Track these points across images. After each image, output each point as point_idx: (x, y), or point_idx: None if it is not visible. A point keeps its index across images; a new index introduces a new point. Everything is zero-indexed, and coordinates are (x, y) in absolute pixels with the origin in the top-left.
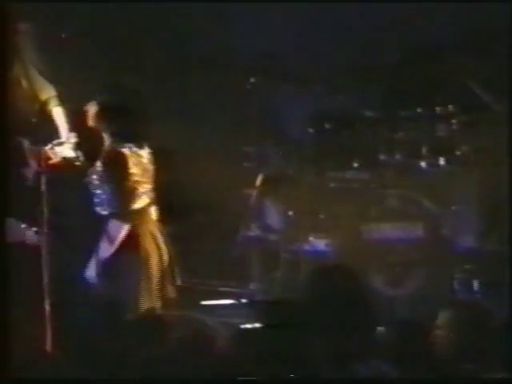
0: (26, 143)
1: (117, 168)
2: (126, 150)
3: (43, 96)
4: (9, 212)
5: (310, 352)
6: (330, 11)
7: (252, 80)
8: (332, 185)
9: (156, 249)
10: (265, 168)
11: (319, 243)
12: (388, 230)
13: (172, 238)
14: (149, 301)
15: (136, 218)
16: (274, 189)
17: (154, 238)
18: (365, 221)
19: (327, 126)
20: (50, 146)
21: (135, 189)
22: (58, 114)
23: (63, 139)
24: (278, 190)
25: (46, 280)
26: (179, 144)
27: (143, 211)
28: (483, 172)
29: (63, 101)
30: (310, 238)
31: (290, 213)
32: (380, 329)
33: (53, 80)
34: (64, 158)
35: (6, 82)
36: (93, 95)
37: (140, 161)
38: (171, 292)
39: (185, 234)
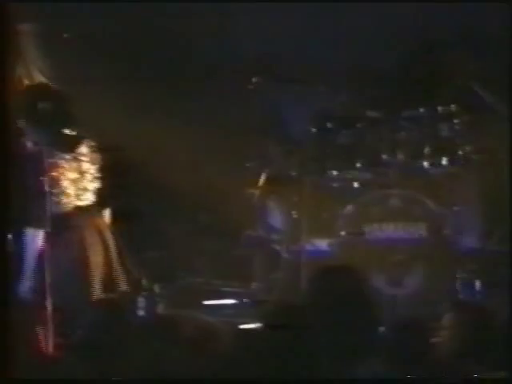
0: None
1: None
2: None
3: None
4: (9, 213)
5: (312, 352)
6: (332, 12)
7: (254, 80)
8: (334, 185)
9: (100, 245)
10: (267, 168)
11: (321, 243)
12: (390, 230)
13: (175, 238)
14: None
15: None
16: (277, 189)
17: (100, 236)
18: (367, 221)
19: (329, 125)
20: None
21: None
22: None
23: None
24: (281, 190)
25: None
26: (182, 144)
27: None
28: (486, 172)
29: (69, 99)
30: (312, 238)
31: (293, 213)
32: (381, 328)
33: (53, 79)
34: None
35: (6, 82)
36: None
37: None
38: (123, 285)
39: (188, 235)
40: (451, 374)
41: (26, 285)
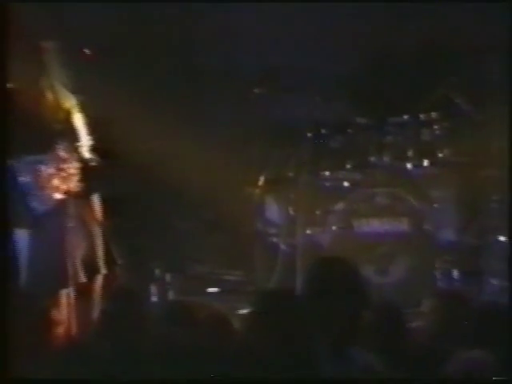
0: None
1: None
2: None
3: (66, 105)
4: (9, 213)
5: (307, 336)
6: (324, 31)
7: (255, 90)
8: (327, 184)
9: (84, 233)
10: (266, 169)
11: (315, 236)
12: (376, 225)
13: (184, 233)
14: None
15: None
16: (275, 188)
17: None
18: (356, 216)
19: (323, 131)
20: (71, 150)
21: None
22: (78, 120)
23: (83, 143)
24: (279, 189)
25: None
26: (191, 147)
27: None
28: (463, 173)
29: (83, 109)
30: (307, 232)
31: (290, 209)
32: (368, 312)
33: (74, 91)
34: (85, 163)
35: (5, 81)
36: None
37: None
38: (107, 270)
39: (195, 229)
40: (429, 352)
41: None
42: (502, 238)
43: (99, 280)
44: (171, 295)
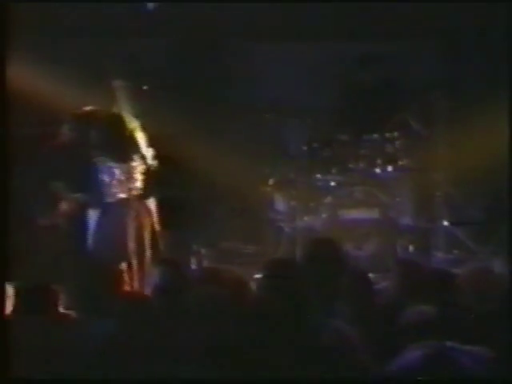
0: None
1: None
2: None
3: (131, 126)
4: (9, 214)
5: (305, 292)
6: (313, 72)
7: (266, 116)
8: (318, 183)
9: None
10: (274, 173)
11: (310, 222)
12: (355, 214)
13: (215, 217)
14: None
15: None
16: (281, 186)
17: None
18: (340, 208)
19: (315, 145)
20: (134, 160)
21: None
22: (140, 136)
23: (145, 154)
24: (283, 188)
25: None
26: (223, 157)
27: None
28: (416, 175)
29: (143, 129)
30: (304, 219)
31: (291, 202)
32: (348, 276)
33: (136, 116)
34: (145, 167)
35: (4, 81)
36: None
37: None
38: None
39: (224, 215)
40: (391, 305)
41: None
42: (445, 223)
43: (150, 252)
44: (205, 263)
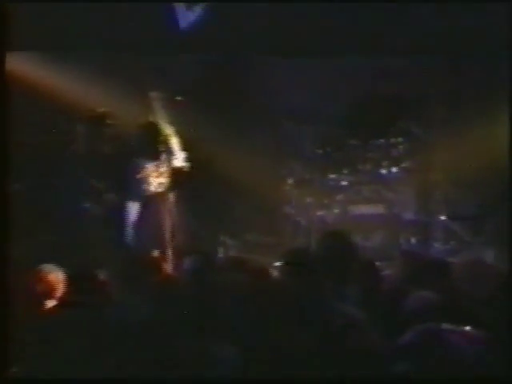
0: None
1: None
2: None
3: (166, 132)
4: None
5: (319, 277)
6: (328, 83)
7: (285, 123)
8: (331, 183)
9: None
10: (292, 174)
11: (324, 217)
12: (363, 210)
13: (242, 213)
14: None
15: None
16: (298, 186)
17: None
18: (351, 204)
19: (328, 149)
20: (169, 161)
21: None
22: (174, 142)
23: (177, 157)
24: (300, 186)
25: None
26: (247, 160)
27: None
28: (418, 175)
29: (176, 134)
30: (318, 214)
31: (307, 199)
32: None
33: (170, 123)
34: (177, 169)
35: (4, 81)
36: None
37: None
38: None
39: (248, 211)
40: (394, 290)
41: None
42: (443, 218)
43: (181, 243)
44: (231, 253)
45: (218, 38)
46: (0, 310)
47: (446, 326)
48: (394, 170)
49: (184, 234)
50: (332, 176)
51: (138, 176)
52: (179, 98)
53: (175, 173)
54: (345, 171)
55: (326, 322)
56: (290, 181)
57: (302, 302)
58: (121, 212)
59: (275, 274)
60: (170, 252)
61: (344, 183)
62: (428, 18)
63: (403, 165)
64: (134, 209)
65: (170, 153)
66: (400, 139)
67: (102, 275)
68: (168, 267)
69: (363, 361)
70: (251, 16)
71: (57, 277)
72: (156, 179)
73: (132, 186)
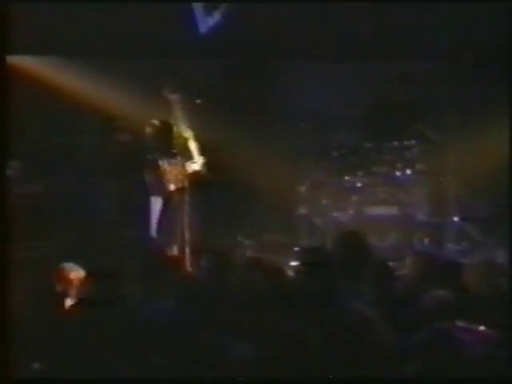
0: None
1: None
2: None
3: (185, 135)
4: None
5: (333, 277)
6: (347, 90)
7: (302, 125)
8: (346, 185)
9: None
10: (309, 176)
11: (339, 217)
12: (378, 211)
13: (258, 214)
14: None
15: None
16: (314, 187)
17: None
18: (365, 205)
19: (343, 151)
20: (187, 163)
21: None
22: (193, 144)
23: (195, 160)
24: (316, 188)
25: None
26: (264, 162)
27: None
28: (431, 177)
29: (194, 137)
30: (334, 215)
31: (323, 201)
32: (371, 263)
33: (189, 126)
34: (195, 171)
35: (4, 80)
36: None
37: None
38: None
39: (265, 212)
40: (408, 289)
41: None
42: (455, 219)
43: (198, 242)
44: (248, 253)
45: (236, 43)
46: (3, 311)
47: (458, 324)
48: (408, 172)
49: (201, 233)
50: (347, 178)
51: (156, 176)
52: (199, 101)
53: (193, 174)
54: (360, 173)
55: (340, 319)
56: (307, 182)
57: (316, 299)
58: (139, 211)
59: (291, 273)
60: (187, 251)
61: (359, 185)
62: (442, 23)
63: (417, 167)
64: (152, 208)
65: (187, 155)
66: (414, 142)
67: (121, 273)
68: (186, 266)
69: (376, 358)
70: (269, 21)
71: (78, 275)
72: (174, 180)
73: (150, 186)
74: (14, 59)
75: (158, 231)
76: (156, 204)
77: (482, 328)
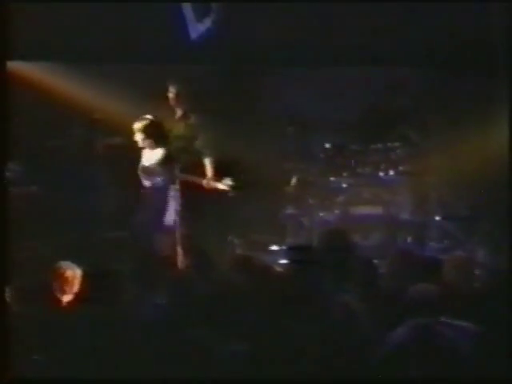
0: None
1: None
2: None
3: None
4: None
5: (319, 273)
6: (333, 94)
7: (289, 129)
8: (332, 185)
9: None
10: (295, 176)
11: (325, 217)
12: (362, 210)
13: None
14: None
15: None
16: (301, 187)
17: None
18: (350, 205)
19: (329, 153)
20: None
21: None
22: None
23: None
24: (303, 188)
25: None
26: (251, 166)
27: None
28: (414, 178)
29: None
30: (320, 214)
31: (310, 200)
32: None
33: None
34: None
35: (4, 80)
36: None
37: None
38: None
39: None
40: (391, 286)
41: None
42: (437, 218)
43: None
44: (237, 251)
45: (226, 49)
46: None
47: (438, 320)
48: (392, 173)
49: (191, 232)
50: (333, 179)
51: (146, 174)
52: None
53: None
54: (345, 174)
55: (325, 312)
56: (294, 182)
57: (304, 294)
58: (134, 210)
59: (278, 269)
60: (178, 250)
61: (344, 185)
62: (425, 32)
63: (400, 168)
64: (146, 207)
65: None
66: (397, 144)
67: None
68: (178, 265)
69: (361, 351)
70: (258, 28)
71: (74, 273)
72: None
73: (143, 184)
74: (14, 64)
75: (154, 230)
76: (149, 203)
77: (464, 323)
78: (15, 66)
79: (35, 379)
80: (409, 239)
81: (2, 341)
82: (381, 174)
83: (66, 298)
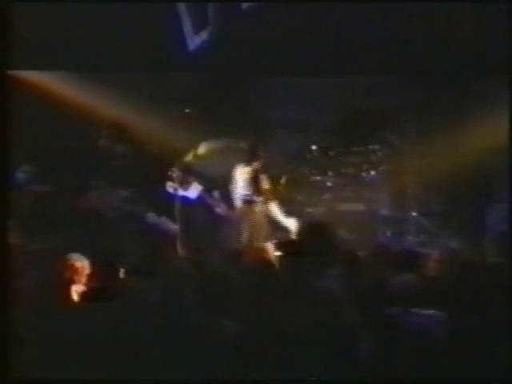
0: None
1: None
2: None
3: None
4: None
5: (307, 263)
6: (318, 100)
7: (278, 131)
8: (318, 184)
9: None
10: (284, 175)
11: (313, 212)
12: (346, 207)
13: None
14: None
15: None
16: (290, 186)
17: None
18: (335, 202)
19: (315, 154)
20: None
21: None
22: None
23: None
24: (292, 186)
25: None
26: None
27: None
28: (393, 177)
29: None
30: (308, 210)
31: (298, 197)
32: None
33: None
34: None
35: (5, 80)
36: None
37: None
38: None
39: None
40: (374, 275)
41: None
42: (414, 214)
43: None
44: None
45: (221, 60)
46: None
47: (411, 309)
48: (373, 173)
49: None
50: (319, 178)
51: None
52: (189, 111)
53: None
54: (330, 174)
55: (313, 296)
56: (283, 181)
57: (293, 282)
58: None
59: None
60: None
61: (329, 184)
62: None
63: (380, 168)
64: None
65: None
66: (378, 147)
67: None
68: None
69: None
70: (250, 41)
71: (83, 264)
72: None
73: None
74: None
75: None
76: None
77: (432, 312)
78: (18, 74)
79: (35, 379)
80: (388, 233)
81: (2, 341)
82: (363, 173)
83: (77, 288)
